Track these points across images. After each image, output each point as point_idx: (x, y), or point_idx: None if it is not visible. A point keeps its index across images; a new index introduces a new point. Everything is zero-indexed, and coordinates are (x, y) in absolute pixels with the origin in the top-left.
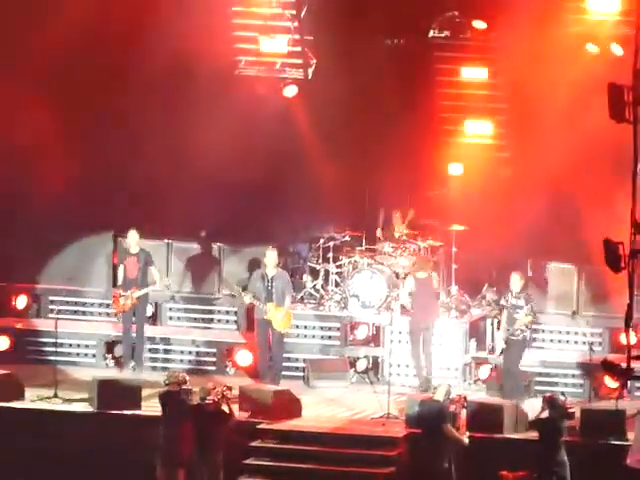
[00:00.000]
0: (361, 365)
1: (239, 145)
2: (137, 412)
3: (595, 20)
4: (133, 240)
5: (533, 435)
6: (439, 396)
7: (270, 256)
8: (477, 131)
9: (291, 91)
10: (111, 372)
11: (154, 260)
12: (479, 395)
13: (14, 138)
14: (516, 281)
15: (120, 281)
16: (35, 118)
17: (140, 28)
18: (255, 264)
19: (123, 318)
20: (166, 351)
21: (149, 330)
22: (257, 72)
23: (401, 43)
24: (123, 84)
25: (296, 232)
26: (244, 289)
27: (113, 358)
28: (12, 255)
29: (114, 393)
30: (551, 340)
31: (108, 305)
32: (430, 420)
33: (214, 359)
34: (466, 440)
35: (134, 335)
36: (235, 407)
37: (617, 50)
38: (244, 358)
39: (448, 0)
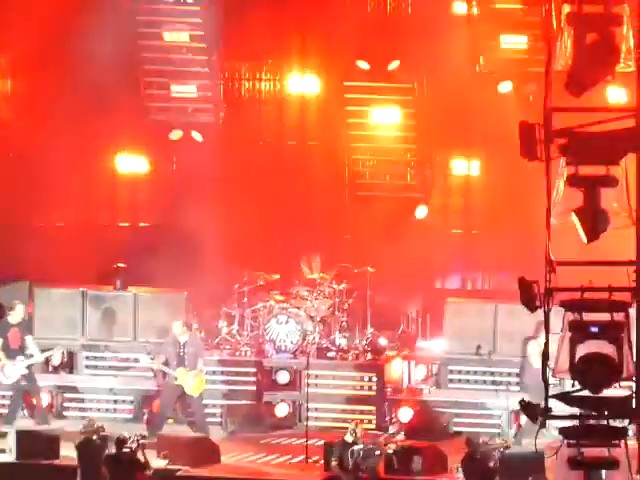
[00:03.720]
0: (281, 410)
1: (150, 188)
2: (55, 462)
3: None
4: (20, 313)
5: None
6: (347, 437)
7: (175, 326)
8: None
9: (197, 136)
10: (29, 423)
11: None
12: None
13: None
14: None
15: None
16: None
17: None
18: (170, 309)
19: (14, 386)
20: (83, 400)
21: (66, 379)
22: (168, 117)
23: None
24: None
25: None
26: (153, 358)
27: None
28: None
29: (33, 443)
30: (467, 380)
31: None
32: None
33: (131, 407)
34: None
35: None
36: (153, 454)
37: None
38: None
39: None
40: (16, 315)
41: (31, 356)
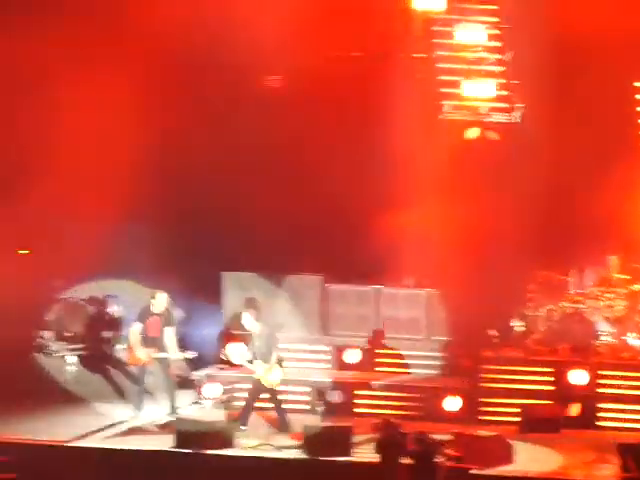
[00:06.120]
0: (573, 409)
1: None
2: (349, 459)
3: None
4: (162, 302)
5: None
6: None
7: (245, 317)
8: None
9: (493, 135)
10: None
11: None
12: None
13: None
14: None
15: (135, 337)
16: None
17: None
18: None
19: (138, 371)
20: (372, 397)
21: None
22: (461, 116)
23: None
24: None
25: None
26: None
27: (325, 404)
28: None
29: (324, 440)
30: None
31: (319, 352)
32: None
33: (422, 404)
34: None
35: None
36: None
37: None
38: (453, 404)
39: None
40: (158, 304)
41: (166, 349)
